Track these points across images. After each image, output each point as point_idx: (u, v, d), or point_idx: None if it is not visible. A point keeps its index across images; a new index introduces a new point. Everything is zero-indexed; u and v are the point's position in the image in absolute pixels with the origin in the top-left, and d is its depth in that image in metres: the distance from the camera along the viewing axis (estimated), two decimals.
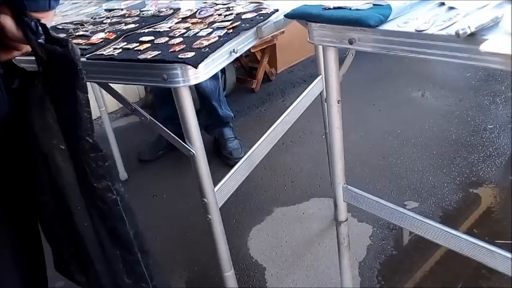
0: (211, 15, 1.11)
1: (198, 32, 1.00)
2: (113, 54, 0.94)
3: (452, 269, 1.53)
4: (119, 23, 1.17)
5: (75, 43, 1.02)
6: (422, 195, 1.91)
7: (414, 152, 2.21)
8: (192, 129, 0.94)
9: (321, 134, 1.88)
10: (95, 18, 1.27)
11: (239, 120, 2.72)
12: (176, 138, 0.99)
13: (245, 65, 3.23)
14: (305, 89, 1.51)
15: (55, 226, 0.81)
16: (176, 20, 1.13)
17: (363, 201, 1.12)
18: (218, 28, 1.00)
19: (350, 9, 0.87)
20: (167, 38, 0.99)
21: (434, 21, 0.77)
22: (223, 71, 2.75)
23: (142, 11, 1.27)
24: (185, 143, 0.96)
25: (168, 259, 1.77)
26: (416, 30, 0.76)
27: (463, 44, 0.70)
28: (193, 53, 0.87)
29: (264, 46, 2.99)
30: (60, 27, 1.21)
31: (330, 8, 0.89)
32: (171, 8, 1.23)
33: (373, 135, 2.40)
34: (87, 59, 0.96)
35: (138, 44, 0.98)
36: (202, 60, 0.85)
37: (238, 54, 0.98)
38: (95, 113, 2.50)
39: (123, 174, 2.32)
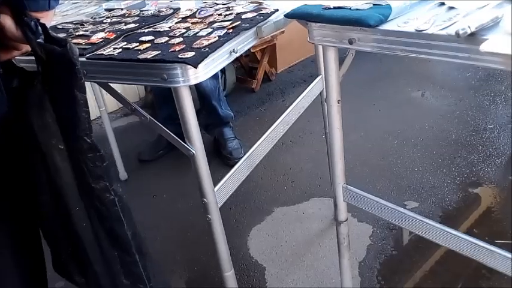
0: (211, 15, 1.11)
1: (198, 32, 1.00)
2: (113, 54, 0.94)
3: (452, 269, 1.53)
4: (118, 22, 1.17)
5: (75, 43, 1.03)
6: (422, 195, 1.91)
7: (414, 152, 2.21)
8: (192, 129, 0.94)
9: (321, 134, 1.88)
10: (94, 18, 1.27)
11: (239, 120, 2.72)
12: (176, 138, 0.99)
13: (245, 65, 3.23)
14: (305, 89, 1.51)
15: (54, 226, 0.81)
16: (176, 20, 1.13)
17: (363, 201, 1.12)
18: (218, 28, 1.00)
19: (350, 9, 0.87)
20: (167, 38, 0.99)
21: (434, 21, 0.76)
22: (223, 70, 2.75)
23: (142, 10, 1.27)
24: (185, 143, 0.96)
25: (168, 259, 1.77)
26: (416, 30, 0.76)
27: (463, 44, 0.70)
28: (193, 53, 0.87)
29: (264, 46, 2.99)
30: (60, 27, 1.21)
31: (330, 8, 0.89)
32: (171, 8, 1.23)
33: (373, 135, 2.40)
34: (87, 58, 0.96)
35: (138, 44, 0.98)
36: (202, 60, 0.85)
37: (238, 54, 0.97)
38: (94, 112, 2.51)
39: (123, 174, 2.32)
